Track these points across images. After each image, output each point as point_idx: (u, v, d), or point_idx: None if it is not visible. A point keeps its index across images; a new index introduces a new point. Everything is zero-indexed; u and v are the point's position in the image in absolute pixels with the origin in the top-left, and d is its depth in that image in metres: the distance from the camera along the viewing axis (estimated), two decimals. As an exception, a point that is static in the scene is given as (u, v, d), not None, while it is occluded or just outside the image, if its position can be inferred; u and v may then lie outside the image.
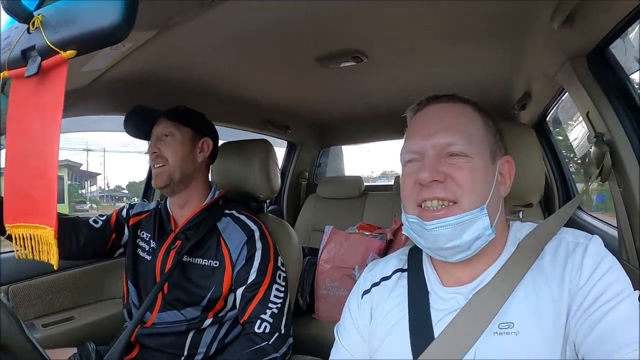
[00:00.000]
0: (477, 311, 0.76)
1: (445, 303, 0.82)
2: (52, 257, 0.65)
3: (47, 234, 0.64)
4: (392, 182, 3.16)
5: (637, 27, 1.08)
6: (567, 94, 1.59)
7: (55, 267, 0.66)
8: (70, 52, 0.59)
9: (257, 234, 1.37)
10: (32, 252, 0.67)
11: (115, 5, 0.56)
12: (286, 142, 3.16)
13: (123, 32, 0.57)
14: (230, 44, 1.41)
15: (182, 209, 1.44)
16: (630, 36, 1.16)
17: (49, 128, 0.62)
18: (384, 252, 2.17)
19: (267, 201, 1.77)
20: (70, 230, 1.40)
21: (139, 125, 1.48)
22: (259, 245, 1.35)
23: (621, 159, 1.23)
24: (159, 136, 1.41)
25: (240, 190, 1.63)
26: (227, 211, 1.45)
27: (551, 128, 2.42)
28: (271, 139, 2.64)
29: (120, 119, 1.49)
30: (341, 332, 0.97)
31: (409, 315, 0.85)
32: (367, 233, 2.38)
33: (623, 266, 0.72)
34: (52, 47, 0.59)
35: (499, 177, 0.83)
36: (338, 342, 0.96)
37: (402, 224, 0.86)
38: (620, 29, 1.08)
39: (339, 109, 2.64)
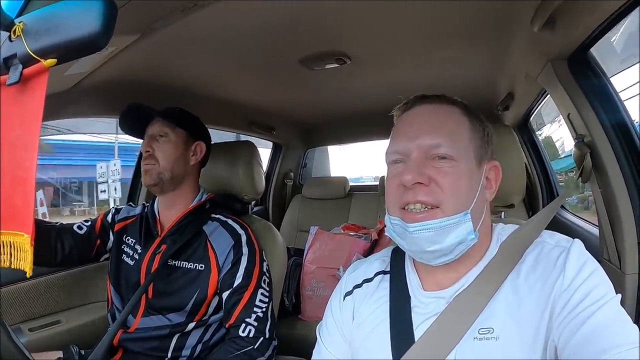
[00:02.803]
0: (457, 316, 0.76)
1: (426, 307, 0.82)
2: (27, 264, 0.64)
3: (24, 241, 0.63)
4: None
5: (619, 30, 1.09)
6: (549, 95, 1.61)
7: (28, 274, 0.65)
8: (51, 61, 0.59)
9: (244, 239, 1.37)
10: (10, 260, 0.66)
11: (94, 14, 0.56)
12: (271, 143, 3.14)
13: (102, 41, 0.57)
14: (213, 46, 1.40)
15: (169, 211, 1.43)
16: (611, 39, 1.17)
17: (28, 136, 0.61)
18: (368, 253, 2.18)
19: (253, 202, 1.76)
20: (55, 238, 1.37)
21: (134, 122, 1.46)
22: (245, 250, 1.35)
23: (602, 160, 1.25)
24: (153, 135, 1.40)
25: (224, 191, 1.62)
26: (214, 215, 1.44)
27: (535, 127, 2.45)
28: (256, 140, 2.65)
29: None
30: (323, 333, 0.96)
31: (390, 318, 0.84)
32: (351, 233, 2.38)
33: (604, 265, 0.73)
34: (33, 55, 0.58)
35: (485, 182, 0.82)
36: (320, 343, 0.96)
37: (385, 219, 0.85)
38: (601, 32, 1.09)
39: (324, 110, 2.63)
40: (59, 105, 1.41)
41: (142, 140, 1.44)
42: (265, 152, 3.16)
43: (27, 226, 0.62)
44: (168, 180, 1.38)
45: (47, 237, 1.36)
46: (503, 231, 0.85)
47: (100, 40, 0.57)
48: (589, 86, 1.27)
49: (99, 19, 0.56)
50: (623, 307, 0.69)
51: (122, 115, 1.45)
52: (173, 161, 1.38)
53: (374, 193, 2.95)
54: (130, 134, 1.49)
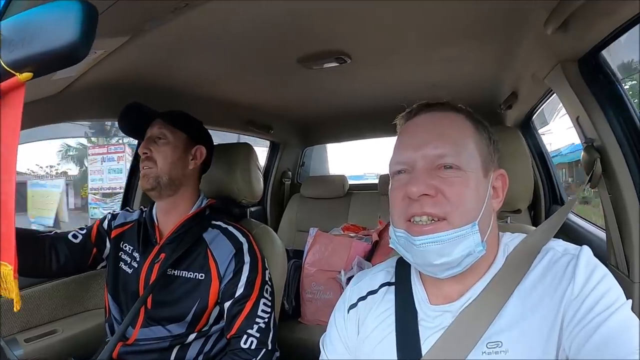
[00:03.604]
0: (464, 330, 0.74)
1: (433, 320, 0.80)
2: (14, 295, 0.60)
3: (7, 273, 0.59)
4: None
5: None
6: (554, 94, 1.58)
7: (16, 308, 0.61)
8: (26, 75, 0.55)
9: (245, 247, 1.34)
10: None
11: (72, 22, 0.51)
12: (269, 142, 3.11)
13: (81, 51, 0.52)
14: (208, 46, 1.36)
15: (168, 217, 1.40)
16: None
17: (7, 156, 0.57)
18: (369, 255, 2.16)
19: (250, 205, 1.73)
20: (49, 248, 1.33)
21: (134, 123, 1.43)
22: (247, 258, 1.32)
23: (612, 165, 1.22)
24: (152, 137, 1.36)
25: (222, 195, 1.59)
26: (214, 222, 1.40)
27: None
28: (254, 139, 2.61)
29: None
30: (327, 345, 0.95)
31: (397, 331, 0.83)
32: (352, 234, 2.35)
33: (612, 272, 0.71)
34: (7, 69, 0.54)
35: (492, 191, 0.80)
36: (324, 355, 0.94)
37: (387, 224, 0.83)
38: (615, 36, 1.06)
39: (322, 109, 2.59)
40: (50, 110, 1.36)
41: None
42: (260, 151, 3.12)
43: (9, 256, 0.59)
44: (166, 184, 1.34)
45: (41, 248, 1.32)
46: (510, 241, 0.83)
47: (79, 50, 0.52)
48: (599, 89, 1.24)
49: (78, 26, 0.51)
50: None
51: (122, 115, 1.42)
52: (171, 164, 1.35)
53: (374, 192, 2.92)
54: (130, 135, 1.48)
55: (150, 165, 1.33)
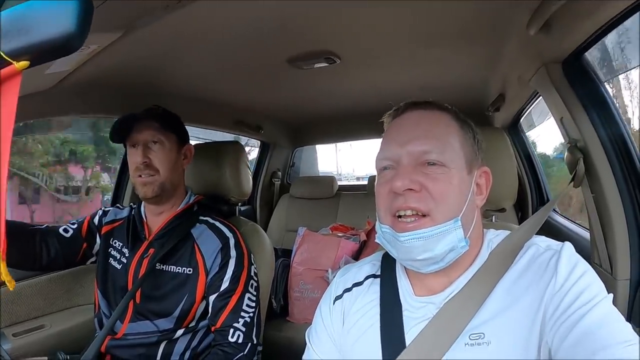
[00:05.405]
0: (448, 321, 0.75)
1: (417, 312, 0.81)
2: (4, 277, 0.59)
3: None
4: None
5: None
6: (541, 97, 1.60)
7: (11, 288, 0.61)
8: (23, 63, 0.55)
9: (232, 242, 1.34)
10: None
11: (68, 14, 0.52)
12: (259, 142, 3.10)
13: (76, 42, 0.53)
14: (199, 45, 1.36)
15: (157, 214, 1.40)
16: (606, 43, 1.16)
17: (1, 143, 0.57)
18: (357, 254, 2.17)
19: (239, 203, 1.73)
20: (40, 242, 1.33)
21: (122, 130, 1.38)
22: (233, 253, 1.32)
23: (594, 165, 1.24)
24: (146, 143, 1.34)
25: (211, 193, 1.59)
26: (202, 217, 1.41)
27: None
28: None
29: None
30: (312, 337, 0.96)
31: (381, 322, 0.84)
32: (340, 234, 2.36)
33: (595, 270, 0.73)
34: (5, 57, 0.54)
35: (475, 188, 0.82)
36: (310, 347, 0.95)
37: (375, 224, 0.84)
38: (597, 37, 1.08)
39: (312, 109, 2.60)
40: (42, 104, 1.36)
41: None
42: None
43: None
44: (169, 190, 1.35)
45: (31, 241, 1.32)
46: (494, 237, 0.85)
47: (74, 41, 0.53)
48: (583, 90, 1.25)
49: (74, 18, 0.52)
50: None
51: (116, 125, 1.35)
52: (171, 168, 1.35)
53: (363, 193, 2.93)
54: (117, 142, 1.42)
55: (151, 173, 1.32)
